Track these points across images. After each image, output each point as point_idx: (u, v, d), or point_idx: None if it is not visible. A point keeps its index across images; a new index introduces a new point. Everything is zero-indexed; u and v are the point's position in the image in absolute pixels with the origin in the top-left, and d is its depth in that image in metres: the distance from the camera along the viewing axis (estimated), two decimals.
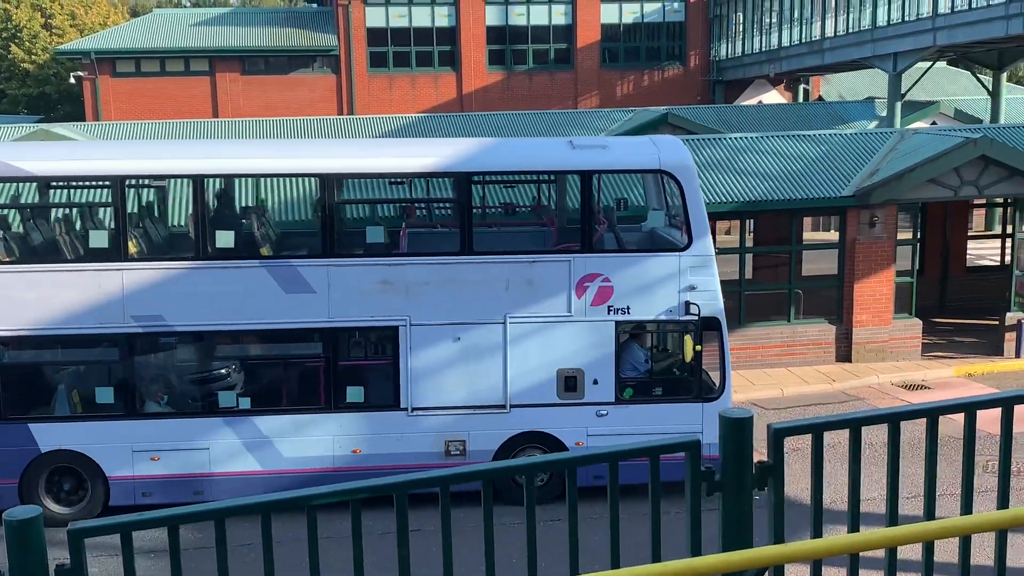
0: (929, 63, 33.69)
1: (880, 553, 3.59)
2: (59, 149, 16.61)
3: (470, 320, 14.37)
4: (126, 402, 14.30)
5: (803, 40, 37.74)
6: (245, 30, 43.42)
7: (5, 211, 15.71)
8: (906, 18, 31.59)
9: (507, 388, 14.53)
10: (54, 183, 15.44)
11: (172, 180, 16.77)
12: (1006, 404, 3.62)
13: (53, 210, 15.95)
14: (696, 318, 14.36)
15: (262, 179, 17.76)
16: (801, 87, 44.13)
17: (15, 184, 15.87)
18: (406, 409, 14.53)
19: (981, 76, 34.11)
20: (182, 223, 17.66)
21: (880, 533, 3.24)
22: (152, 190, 16.43)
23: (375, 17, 43.02)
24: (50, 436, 14.27)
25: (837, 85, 45.59)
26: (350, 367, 14.75)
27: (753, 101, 42.84)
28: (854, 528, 3.62)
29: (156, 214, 16.52)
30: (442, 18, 43.49)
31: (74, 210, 16.14)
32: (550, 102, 42.90)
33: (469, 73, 43.63)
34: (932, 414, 3.66)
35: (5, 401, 14.20)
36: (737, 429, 3.31)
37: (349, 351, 14.91)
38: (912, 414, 3.62)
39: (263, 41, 42.78)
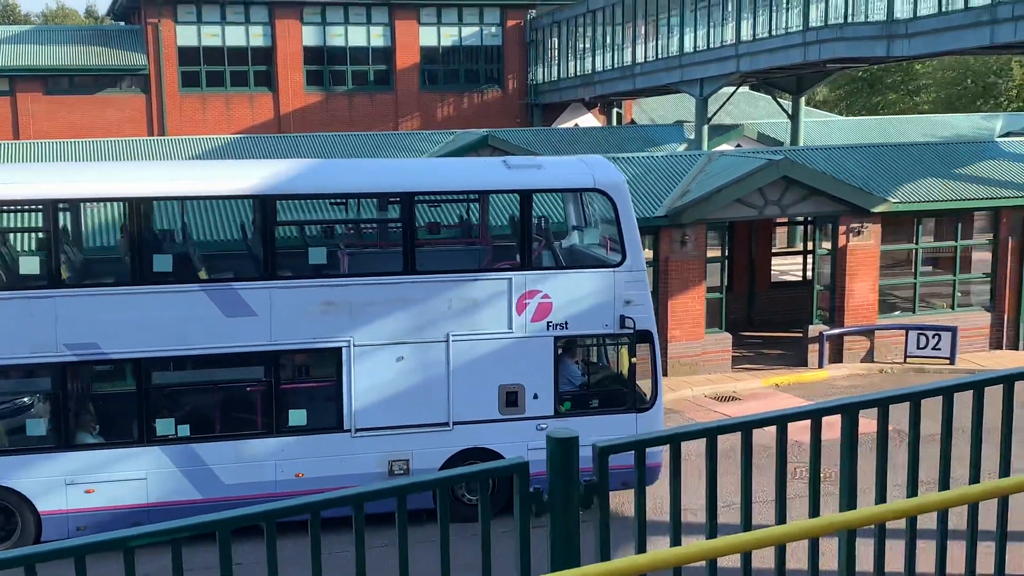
0: (733, 88, 35.28)
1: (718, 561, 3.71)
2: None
3: (413, 339, 14.42)
4: (59, 433, 13.74)
5: (616, 65, 38.91)
6: (48, 48, 41.42)
7: None
8: (711, 45, 33.03)
9: (450, 405, 14.58)
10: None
11: (89, 204, 15.97)
12: (814, 416, 3.81)
13: None
14: (631, 331, 14.70)
15: (188, 202, 16.71)
16: (614, 111, 45.45)
17: None
18: (350, 430, 14.42)
19: (781, 100, 35.94)
20: (97, 246, 16.93)
21: (699, 546, 3.35)
22: (69, 214, 15.42)
23: (187, 36, 41.85)
24: None
25: (648, 109, 47.16)
26: (292, 390, 14.64)
27: (570, 124, 43.83)
28: (676, 541, 3.73)
29: (72, 238, 15.59)
30: (257, 38, 42.70)
31: None
32: (371, 123, 42.71)
33: (286, 94, 42.96)
34: (746, 427, 3.82)
35: None
36: (563, 449, 3.37)
37: (292, 374, 14.81)
38: (729, 428, 3.76)
39: (67, 60, 40.91)
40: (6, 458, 13.71)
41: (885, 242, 23.82)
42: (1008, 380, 4.21)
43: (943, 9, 23.89)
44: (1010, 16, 21.91)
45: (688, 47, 34.16)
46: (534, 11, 44.99)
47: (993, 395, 4.22)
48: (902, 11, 25.18)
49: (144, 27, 41.62)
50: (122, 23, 48.81)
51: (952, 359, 23.18)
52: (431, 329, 14.45)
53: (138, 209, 13.90)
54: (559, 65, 43.63)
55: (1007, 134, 35.09)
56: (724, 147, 33.45)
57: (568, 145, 33.38)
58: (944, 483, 4.15)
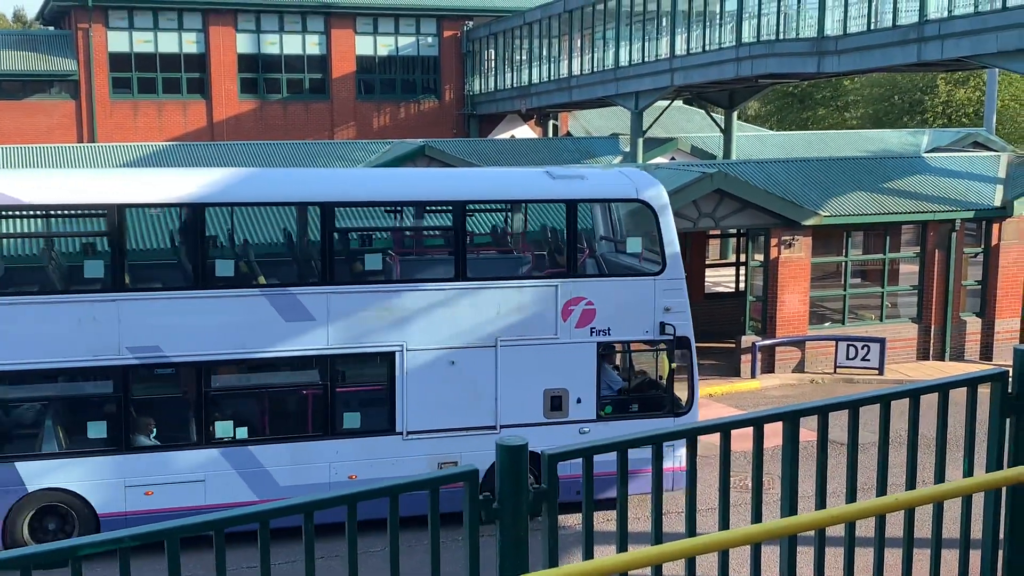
0: (668, 102, 35.70)
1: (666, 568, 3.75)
2: (52, 177, 15.72)
3: (464, 344, 14.70)
4: (121, 436, 13.84)
5: (552, 78, 39.14)
6: None
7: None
8: (646, 59, 33.41)
9: (498, 409, 14.87)
10: (50, 212, 14.68)
11: (153, 209, 16.02)
12: (757, 423, 3.88)
13: (39, 240, 15.38)
14: (671, 338, 15.11)
15: (249, 208, 17.04)
16: (551, 122, 45.69)
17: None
18: (401, 433, 14.66)
19: (714, 114, 36.44)
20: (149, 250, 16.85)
21: (645, 552, 3.40)
22: (132, 218, 15.45)
23: (118, 41, 41.20)
24: (38, 474, 13.63)
25: (584, 121, 47.50)
26: (347, 393, 14.86)
27: (506, 135, 43.98)
28: (623, 547, 3.77)
29: (134, 243, 15.69)
30: (190, 44, 42.19)
31: (59, 239, 15.58)
32: (306, 132, 42.42)
33: (220, 101, 42.49)
34: (691, 434, 3.88)
35: None
36: (513, 457, 3.39)
37: (347, 377, 14.93)
38: (674, 435, 3.82)
39: None
40: (66, 460, 13.77)
41: (815, 254, 24.27)
42: (943, 388, 4.33)
43: (872, 27, 24.45)
44: (937, 34, 22.50)
45: (624, 61, 34.50)
46: (471, 22, 45.09)
47: (930, 403, 4.34)
48: (832, 28, 25.71)
49: (74, 32, 40.90)
50: (52, 28, 47.90)
51: (881, 369, 23.66)
52: (481, 334, 14.77)
53: (202, 215, 14.02)
54: (496, 76, 43.77)
55: (933, 149, 35.96)
56: (659, 160, 33.82)
57: (504, 156, 33.48)
58: (882, 489, 4.25)
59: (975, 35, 21.70)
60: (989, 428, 4.40)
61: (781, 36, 27.46)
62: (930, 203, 24.79)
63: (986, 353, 25.22)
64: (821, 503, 4.12)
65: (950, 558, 4.44)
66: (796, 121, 58.27)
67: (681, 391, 15.57)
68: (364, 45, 44.22)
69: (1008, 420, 4.37)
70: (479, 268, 15.31)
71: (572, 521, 11.94)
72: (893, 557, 4.31)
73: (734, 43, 29.03)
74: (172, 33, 41.84)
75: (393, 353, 14.50)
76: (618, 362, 15.81)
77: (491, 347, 14.79)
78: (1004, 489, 4.34)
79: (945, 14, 22.44)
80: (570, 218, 15.15)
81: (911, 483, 4.26)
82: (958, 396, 4.44)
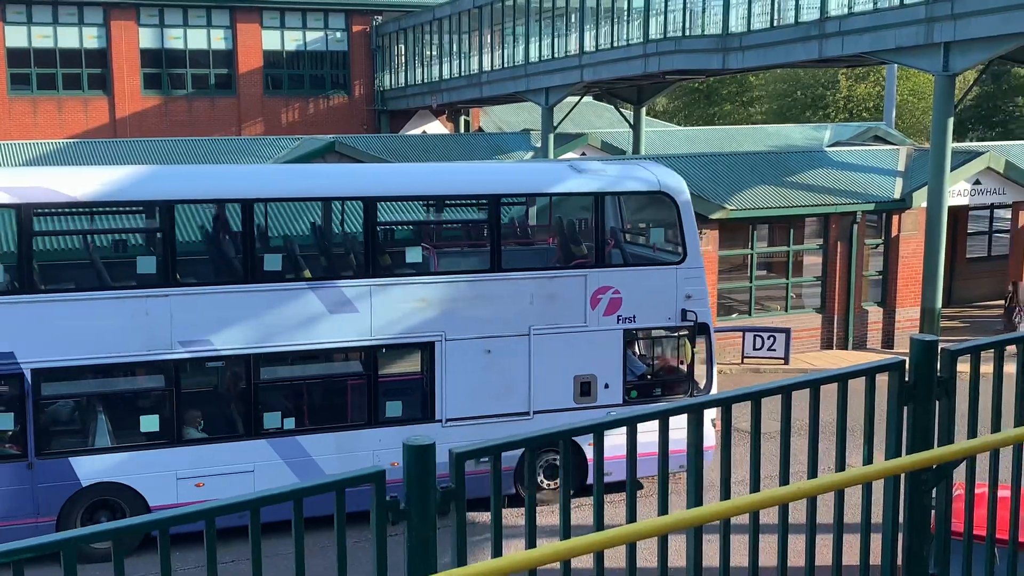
0: (578, 97, 35.94)
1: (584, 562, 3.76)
2: (98, 173, 15.71)
3: (499, 333, 15.14)
4: (173, 429, 14.07)
5: (463, 73, 39.10)
6: None
7: (43, 238, 14.84)
8: (556, 55, 33.58)
9: (531, 395, 15.33)
10: (99, 209, 14.69)
11: (203, 205, 16.06)
12: (662, 416, 3.92)
13: (89, 236, 15.42)
14: (692, 324, 15.72)
15: (293, 203, 17.05)
16: (462, 118, 45.65)
17: (51, 210, 14.50)
18: (440, 420, 15.02)
19: (623, 110, 36.79)
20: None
21: (552, 547, 3.41)
22: (183, 214, 15.57)
23: (16, 36, 39.97)
24: (91, 469, 13.75)
25: (496, 117, 47.56)
26: (389, 382, 15.26)
27: (418, 131, 43.81)
28: (531, 543, 3.78)
29: (187, 238, 15.91)
30: (91, 39, 41.14)
31: (108, 235, 15.57)
32: (212, 129, 41.67)
33: (123, 97, 41.52)
34: (598, 429, 3.90)
35: (43, 436, 13.65)
36: (420, 456, 3.37)
37: (389, 367, 15.43)
38: (581, 430, 3.83)
39: None
40: (119, 455, 13.92)
41: (722, 247, 24.66)
42: (842, 378, 4.42)
43: (775, 24, 24.93)
44: (837, 31, 23.04)
45: (534, 57, 34.63)
46: (380, 17, 44.79)
47: (832, 392, 4.42)
48: (737, 25, 26.15)
49: None
50: None
51: (786, 359, 24.15)
52: (514, 323, 15.21)
53: (250, 210, 14.22)
54: (406, 72, 43.57)
55: (835, 144, 36.85)
56: (569, 155, 34.02)
57: (416, 153, 33.34)
58: (785, 478, 4.33)
59: (874, 32, 22.28)
60: (888, 416, 4.51)
61: (687, 33, 27.84)
62: (832, 196, 25.38)
63: (887, 341, 25.94)
64: (726, 493, 4.18)
65: (853, 542, 4.54)
66: (703, 116, 59.18)
67: (700, 375, 16.25)
68: (271, 40, 43.62)
69: (906, 408, 4.48)
70: (512, 259, 15.81)
71: (513, 519, 11.95)
72: (797, 543, 4.40)
73: (642, 40, 29.34)
74: (72, 28, 40.73)
75: (433, 343, 14.93)
76: (645, 348, 16.43)
77: (524, 335, 15.27)
78: (903, 476, 4.45)
79: (845, 11, 23.00)
80: (597, 210, 15.71)
81: (813, 472, 4.34)
82: (859, 385, 4.55)
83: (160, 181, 14.85)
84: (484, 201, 15.79)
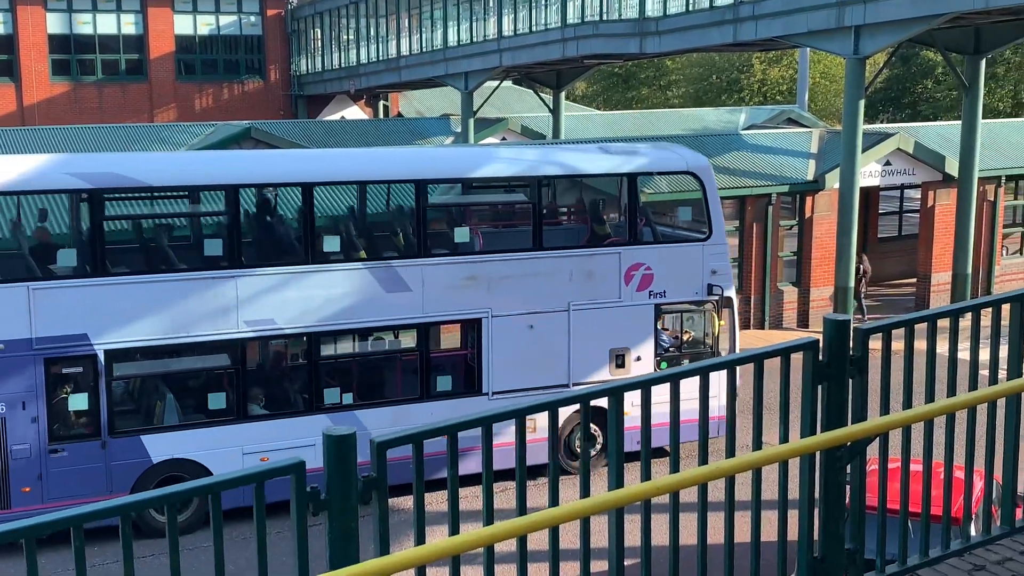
0: (498, 82, 35.89)
1: (505, 549, 3.77)
2: (166, 158, 16.49)
3: (540, 309, 15.84)
4: (236, 406, 14.56)
5: (381, 58, 38.77)
6: None
7: (115, 222, 14.93)
8: (475, 40, 33.48)
9: (570, 368, 15.97)
10: (169, 193, 15.22)
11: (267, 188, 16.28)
12: (584, 400, 3.94)
13: (158, 219, 15.78)
14: (717, 298, 16.47)
15: (351, 186, 17.27)
16: (381, 103, 45.29)
17: (121, 195, 14.71)
18: (487, 394, 15.69)
19: (543, 95, 36.86)
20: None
21: (476, 533, 3.41)
22: (247, 197, 15.65)
23: None
24: (161, 446, 14.15)
25: (415, 101, 47.29)
26: (440, 357, 15.95)
27: (336, 116, 43.35)
28: (455, 530, 3.78)
29: (250, 221, 15.90)
30: None
31: (176, 219, 16.12)
32: (124, 115, 40.73)
33: (30, 84, 40.35)
34: (520, 414, 3.91)
35: (115, 415, 14.09)
36: (340, 447, 3.34)
37: (439, 343, 16.15)
38: (504, 415, 3.84)
39: None
40: (187, 432, 14.32)
41: None
42: (758, 359, 4.49)
43: (690, 8, 25.17)
44: (751, 15, 23.35)
45: (452, 41, 34.48)
46: (295, 1, 44.18)
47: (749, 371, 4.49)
48: (653, 10, 26.34)
49: None
50: None
51: None
52: (555, 299, 15.92)
53: (311, 193, 14.72)
54: (323, 56, 43.06)
55: (750, 127, 37.37)
56: (490, 140, 33.99)
57: (334, 138, 33.00)
58: (703, 458, 4.39)
59: (787, 16, 22.63)
60: (802, 395, 4.60)
61: (605, 17, 27.96)
62: (748, 179, 25.75)
63: (803, 320, 26.44)
64: (647, 475, 4.23)
65: (772, 519, 4.63)
66: (621, 101, 59.58)
67: (724, 347, 16.70)
68: (183, 24, 42.74)
69: (820, 387, 4.57)
70: (553, 238, 16.51)
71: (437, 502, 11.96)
72: (717, 522, 4.47)
73: (560, 24, 29.39)
74: None
75: (480, 319, 15.60)
76: (674, 321, 17.07)
77: (564, 311, 15.97)
78: (818, 453, 4.55)
79: None
80: (631, 190, 16.47)
81: (731, 451, 4.41)
82: (775, 364, 4.62)
83: (225, 165, 15.54)
84: (525, 182, 16.45)
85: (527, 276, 15.79)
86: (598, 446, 15.99)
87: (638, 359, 16.32)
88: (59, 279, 13.77)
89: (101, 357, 13.78)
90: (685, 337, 17.25)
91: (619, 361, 16.29)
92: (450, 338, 16.38)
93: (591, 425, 4.07)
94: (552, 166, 16.96)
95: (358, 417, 14.94)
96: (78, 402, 13.87)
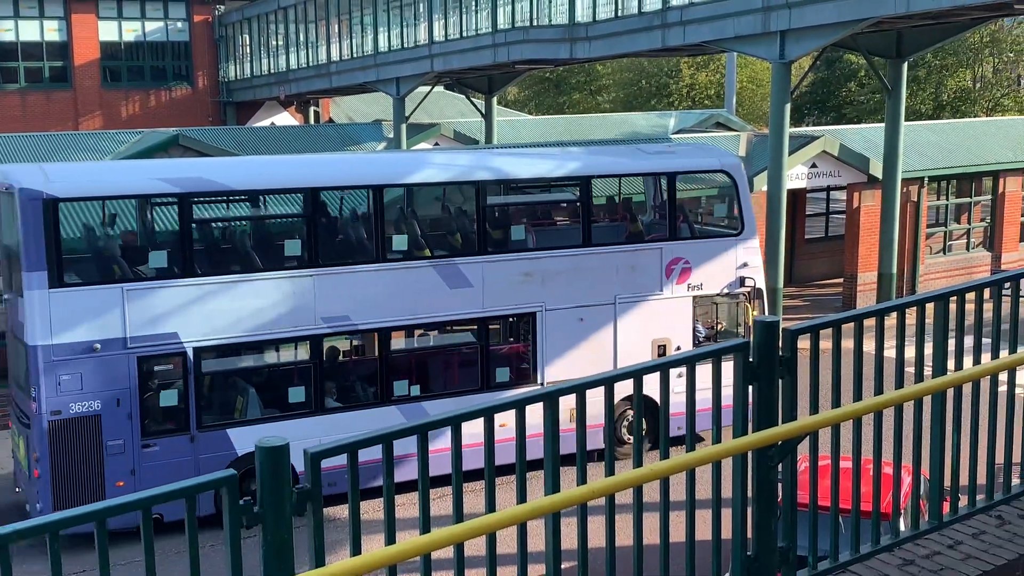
0: (429, 87, 35.81)
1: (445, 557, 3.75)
2: (249, 163, 17.55)
3: (589, 302, 16.77)
4: (313, 399, 15.26)
5: (311, 63, 38.46)
6: None
7: (200, 225, 15.56)
8: (406, 45, 33.37)
9: (616, 359, 16.72)
10: (251, 196, 15.93)
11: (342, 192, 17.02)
12: (518, 406, 3.95)
13: (242, 221, 16.35)
14: (749, 289, 17.50)
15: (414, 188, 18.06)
16: (312, 109, 44.91)
17: (208, 198, 15.64)
18: (541, 383, 16.31)
19: (475, 100, 36.84)
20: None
21: (412, 542, 3.40)
22: (323, 200, 16.32)
23: None
24: (245, 439, 14.56)
25: (347, 107, 46.98)
26: (497, 350, 16.78)
27: (266, 122, 42.90)
28: (391, 539, 3.76)
29: (325, 222, 16.51)
30: None
31: (259, 221, 16.51)
32: (48, 123, 39.85)
33: None
34: (455, 420, 3.90)
35: (203, 410, 14.68)
36: (273, 458, 3.30)
37: (497, 336, 16.95)
38: (439, 423, 3.83)
39: None
40: (269, 424, 14.79)
41: None
42: (690, 361, 4.54)
43: (619, 14, 25.37)
44: (679, 20, 23.60)
45: (383, 46, 34.33)
46: (223, 6, 43.63)
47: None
48: (583, 15, 26.50)
49: None
50: None
51: None
52: (602, 293, 16.85)
53: (380, 195, 15.56)
54: (252, 62, 42.59)
55: (680, 131, 37.77)
56: (422, 145, 33.91)
57: (265, 144, 32.65)
58: (638, 460, 4.42)
59: (714, 21, 22.91)
60: (734, 396, 4.66)
61: (535, 23, 28.06)
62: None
63: None
64: (583, 478, 4.25)
65: (706, 518, 4.68)
66: (553, 105, 59.81)
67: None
68: (108, 30, 41.98)
69: (751, 387, 4.63)
70: (600, 235, 17.35)
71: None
72: (653, 522, 4.50)
73: (491, 29, 29.43)
74: None
75: (534, 313, 16.50)
76: (710, 312, 17.82)
77: (610, 304, 16.90)
78: (750, 453, 4.60)
79: (686, 1, 23.57)
80: (670, 189, 17.45)
81: (665, 453, 4.45)
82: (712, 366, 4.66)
83: (305, 170, 16.30)
84: (576, 182, 17.32)
85: (578, 271, 16.69)
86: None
87: (678, 348, 17.04)
88: (151, 280, 14.44)
89: (190, 354, 14.47)
90: (719, 327, 18.00)
91: (661, 351, 17.06)
92: (507, 331, 17.37)
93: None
94: (600, 166, 18.24)
95: (425, 408, 15.53)
96: (169, 398, 14.55)
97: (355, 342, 16.26)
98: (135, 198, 15.46)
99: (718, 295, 17.74)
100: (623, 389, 4.36)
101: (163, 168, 16.32)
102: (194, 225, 14.89)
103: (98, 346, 13.96)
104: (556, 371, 16.47)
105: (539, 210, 18.82)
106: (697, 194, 20.77)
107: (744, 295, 17.61)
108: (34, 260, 13.77)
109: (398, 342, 16.28)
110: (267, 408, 15.24)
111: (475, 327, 16.41)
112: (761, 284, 17.75)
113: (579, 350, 16.64)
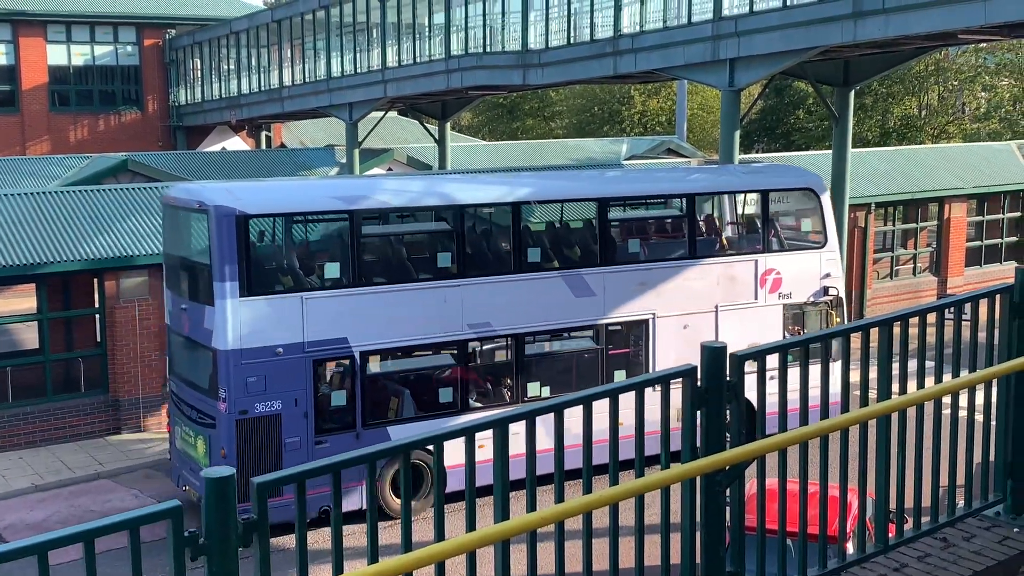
0: (383, 113, 35.82)
1: None
2: (406, 183, 19.61)
3: (694, 310, 18.09)
4: (460, 399, 16.56)
5: (263, 88, 38.31)
6: None
7: (367, 239, 16.63)
8: (359, 70, 33.36)
9: None
10: (412, 213, 17.75)
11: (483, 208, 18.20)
12: (468, 433, 3.94)
13: (403, 236, 17.53)
14: (832, 298, 18.86)
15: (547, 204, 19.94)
16: (263, 134, 44.69)
17: (374, 215, 17.09)
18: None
19: (429, 125, 36.90)
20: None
21: (361, 572, 3.38)
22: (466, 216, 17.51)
23: None
24: (402, 436, 13.10)
25: (299, 132, 46.82)
26: (615, 355, 17.91)
27: (216, 147, 42.61)
28: (338, 569, 3.73)
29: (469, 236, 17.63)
30: None
31: (416, 235, 17.93)
32: None
33: None
34: (403, 449, 3.89)
35: (367, 409, 15.86)
36: (219, 489, 3.27)
37: (615, 342, 18.00)
38: (388, 452, 3.82)
39: None
40: (423, 423, 15.83)
41: None
42: (639, 387, 4.57)
43: (571, 41, 25.58)
44: (630, 48, 23.84)
45: (336, 71, 34.29)
46: (173, 31, 43.37)
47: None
48: (536, 42, 26.68)
49: None
50: None
51: None
52: (705, 301, 18.20)
53: (519, 212, 17.05)
54: (203, 86, 42.32)
55: (631, 157, 38.06)
56: (376, 171, 33.86)
57: (215, 170, 32.44)
58: (587, 487, 4.43)
59: (664, 49, 23.17)
60: (682, 421, 4.69)
61: (488, 49, 28.20)
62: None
63: None
64: (532, 505, 4.25)
65: (656, 543, 4.70)
66: (507, 131, 60.03)
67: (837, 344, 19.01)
68: (57, 54, 41.53)
69: (699, 412, 4.67)
70: (703, 248, 18.64)
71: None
72: (602, 547, 4.51)
73: (444, 56, 29.52)
74: None
75: (647, 320, 17.80)
76: (799, 319, 18.99)
77: (712, 312, 18.22)
78: (699, 478, 4.63)
79: (637, 29, 23.82)
80: (764, 204, 18.88)
81: (614, 479, 4.47)
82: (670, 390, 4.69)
83: (456, 189, 17.74)
84: (684, 198, 18.70)
85: (685, 281, 18.02)
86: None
87: None
88: (325, 289, 15.69)
89: (357, 357, 15.72)
90: (805, 335, 18.70)
91: None
92: (623, 337, 18.30)
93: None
94: (704, 184, 20.08)
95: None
96: (339, 398, 15.75)
97: (495, 346, 17.42)
98: (313, 214, 17.07)
99: (805, 303, 18.99)
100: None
101: (336, 187, 18.19)
102: (362, 239, 16.16)
103: (280, 350, 15.11)
104: None
105: (652, 225, 20.22)
106: (785, 208, 21.99)
107: (827, 303, 18.94)
108: (227, 272, 14.86)
109: (532, 346, 17.51)
110: (420, 407, 16.39)
111: (597, 333, 17.76)
112: (842, 293, 19.07)
113: (684, 354, 17.37)
